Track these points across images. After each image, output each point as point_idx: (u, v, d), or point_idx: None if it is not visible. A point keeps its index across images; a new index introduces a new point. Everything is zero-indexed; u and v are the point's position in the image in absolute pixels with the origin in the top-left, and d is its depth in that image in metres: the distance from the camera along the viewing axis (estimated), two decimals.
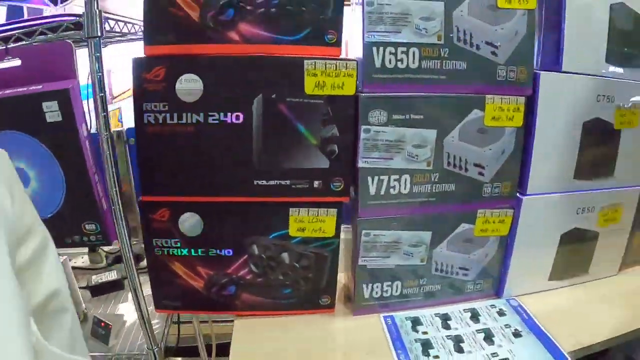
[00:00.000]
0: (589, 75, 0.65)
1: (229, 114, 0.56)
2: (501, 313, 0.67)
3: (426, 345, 0.60)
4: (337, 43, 0.57)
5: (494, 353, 0.60)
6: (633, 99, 0.69)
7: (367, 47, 0.56)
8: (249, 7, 0.55)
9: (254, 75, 0.56)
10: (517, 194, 0.65)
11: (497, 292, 0.71)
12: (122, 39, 0.78)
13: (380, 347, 0.60)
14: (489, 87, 0.60)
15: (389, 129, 0.58)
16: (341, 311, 0.67)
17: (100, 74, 0.52)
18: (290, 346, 0.60)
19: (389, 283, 0.64)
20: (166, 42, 0.55)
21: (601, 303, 0.71)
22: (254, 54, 0.55)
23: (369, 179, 0.59)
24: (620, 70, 0.68)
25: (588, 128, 0.66)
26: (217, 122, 0.56)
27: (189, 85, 0.56)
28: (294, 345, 0.60)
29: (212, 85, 0.56)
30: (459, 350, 0.60)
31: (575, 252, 0.72)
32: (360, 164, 0.58)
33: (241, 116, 0.56)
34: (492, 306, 0.69)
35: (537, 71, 0.62)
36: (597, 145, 0.68)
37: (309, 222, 0.60)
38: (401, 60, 0.57)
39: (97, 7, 0.51)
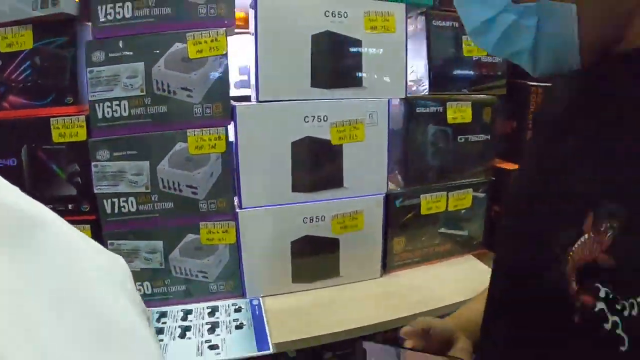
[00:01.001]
0: (294, 100, 0.75)
1: (9, 159, 0.79)
2: (238, 310, 0.79)
3: (159, 332, 0.75)
4: (75, 102, 0.77)
5: (208, 340, 0.72)
6: (348, 115, 0.76)
7: (92, 104, 0.75)
8: (13, 84, 0.77)
9: (20, 131, 0.78)
10: (237, 208, 0.77)
11: (243, 293, 0.82)
12: None
13: None
14: (188, 124, 0.74)
15: (112, 163, 0.75)
16: None
17: None
18: None
19: (140, 283, 0.80)
20: None
21: (334, 303, 0.78)
22: (19, 117, 0.78)
23: (104, 201, 0.77)
24: (331, 92, 0.76)
25: (298, 146, 0.76)
26: (2, 165, 0.80)
27: None
28: None
29: None
30: (182, 336, 0.74)
31: (315, 257, 0.80)
32: (96, 190, 0.76)
33: (16, 161, 0.79)
34: (234, 304, 0.80)
35: (234, 104, 0.74)
36: (312, 161, 0.77)
37: None
38: (116, 110, 0.75)
39: None
